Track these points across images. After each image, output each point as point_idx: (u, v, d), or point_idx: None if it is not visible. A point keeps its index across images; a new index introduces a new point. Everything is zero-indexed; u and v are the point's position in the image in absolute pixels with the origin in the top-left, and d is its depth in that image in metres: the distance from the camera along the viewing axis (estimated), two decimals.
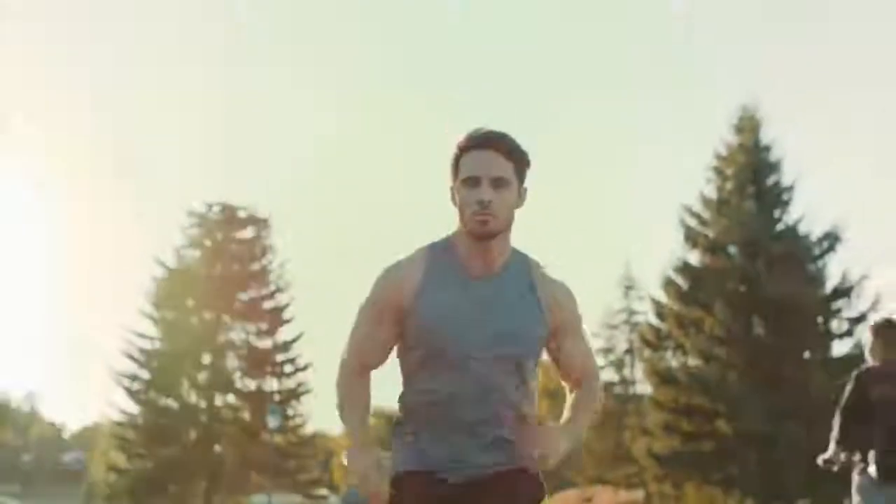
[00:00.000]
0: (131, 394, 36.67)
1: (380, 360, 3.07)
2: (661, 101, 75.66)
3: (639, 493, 34.96)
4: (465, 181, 2.93)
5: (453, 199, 3.00)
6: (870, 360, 6.10)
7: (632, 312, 42.03)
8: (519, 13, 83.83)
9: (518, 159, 2.96)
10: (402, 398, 3.07)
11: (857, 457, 5.91)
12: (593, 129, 77.35)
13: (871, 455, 5.85)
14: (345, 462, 2.96)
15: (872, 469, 5.84)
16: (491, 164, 2.92)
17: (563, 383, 3.20)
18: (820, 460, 5.88)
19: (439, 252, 3.01)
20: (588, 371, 3.15)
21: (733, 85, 67.47)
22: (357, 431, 3.02)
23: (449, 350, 2.92)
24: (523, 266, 3.02)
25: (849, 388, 6.00)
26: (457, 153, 2.98)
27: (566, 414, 3.12)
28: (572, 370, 3.13)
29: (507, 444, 2.99)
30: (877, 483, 5.85)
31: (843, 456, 5.96)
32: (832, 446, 5.97)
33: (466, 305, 2.94)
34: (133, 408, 36.79)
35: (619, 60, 78.84)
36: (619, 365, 41.74)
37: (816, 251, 30.31)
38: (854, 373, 6.01)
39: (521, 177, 2.98)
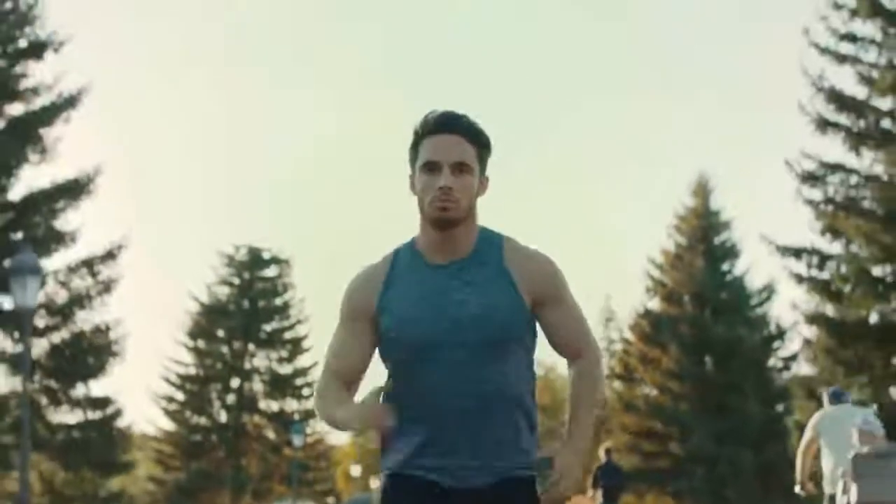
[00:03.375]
0: (168, 413, 43.50)
1: (357, 368, 3.03)
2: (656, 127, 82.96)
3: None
4: (424, 167, 2.91)
5: (412, 187, 2.97)
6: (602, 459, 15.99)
7: (611, 341, 50.07)
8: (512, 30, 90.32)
9: (480, 143, 2.95)
10: (388, 400, 2.95)
11: (598, 493, 15.43)
12: (584, 152, 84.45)
13: (600, 493, 15.48)
14: (341, 423, 2.87)
15: (600, 500, 15.47)
16: (451, 149, 2.89)
17: (561, 356, 3.10)
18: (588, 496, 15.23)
19: (403, 250, 3.02)
20: (583, 340, 3.06)
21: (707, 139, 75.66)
22: (340, 402, 2.92)
23: (420, 342, 2.90)
24: (491, 244, 2.99)
25: (595, 470, 16.00)
26: (415, 138, 2.96)
27: (570, 415, 3.03)
28: (566, 342, 3.04)
29: (500, 442, 2.94)
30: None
31: (595, 494, 15.51)
32: (590, 490, 15.03)
33: (432, 294, 2.92)
34: (169, 425, 43.68)
35: (620, 87, 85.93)
36: None
37: (756, 300, 38.50)
38: (595, 466, 15.01)
39: (483, 162, 2.97)
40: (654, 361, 38.33)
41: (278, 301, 45.68)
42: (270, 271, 45.93)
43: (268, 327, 45.20)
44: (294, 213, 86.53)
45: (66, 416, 24.98)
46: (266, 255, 45.88)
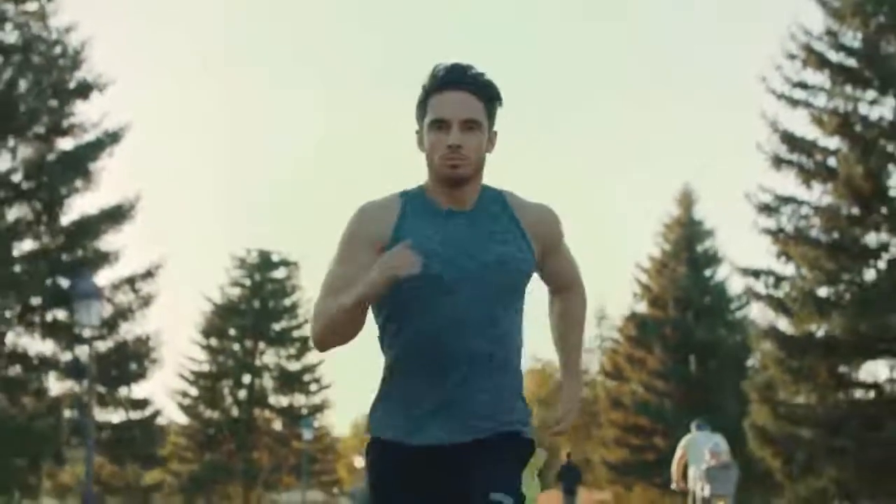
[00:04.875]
0: (182, 408, 46.50)
1: None
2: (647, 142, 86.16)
3: (606, 494, 46.74)
4: (433, 124, 2.96)
5: (420, 143, 3.03)
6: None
7: (603, 339, 54.20)
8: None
9: (489, 99, 3.00)
10: (387, 346, 3.05)
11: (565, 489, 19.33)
12: (582, 152, 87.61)
13: (564, 486, 19.32)
14: (353, 299, 2.88)
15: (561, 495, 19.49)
16: (460, 106, 2.95)
17: (548, 287, 3.28)
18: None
19: (412, 194, 3.06)
20: (576, 278, 3.27)
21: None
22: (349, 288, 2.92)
23: (438, 280, 2.93)
24: (497, 197, 3.08)
25: (561, 469, 19.26)
26: (422, 94, 3.02)
27: (565, 338, 3.25)
28: (562, 279, 3.24)
29: (505, 388, 3.02)
30: (566, 499, 19.73)
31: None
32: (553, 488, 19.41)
33: (449, 236, 2.98)
34: (184, 419, 46.75)
35: (620, 87, 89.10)
36: (592, 386, 53.76)
37: (736, 304, 42.50)
38: (561, 466, 19.03)
39: (491, 117, 3.02)
40: (641, 361, 42.41)
41: (287, 301, 48.42)
42: (280, 273, 48.56)
43: (277, 326, 47.92)
44: (300, 215, 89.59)
45: (111, 416, 29.23)
46: (275, 258, 48.52)
